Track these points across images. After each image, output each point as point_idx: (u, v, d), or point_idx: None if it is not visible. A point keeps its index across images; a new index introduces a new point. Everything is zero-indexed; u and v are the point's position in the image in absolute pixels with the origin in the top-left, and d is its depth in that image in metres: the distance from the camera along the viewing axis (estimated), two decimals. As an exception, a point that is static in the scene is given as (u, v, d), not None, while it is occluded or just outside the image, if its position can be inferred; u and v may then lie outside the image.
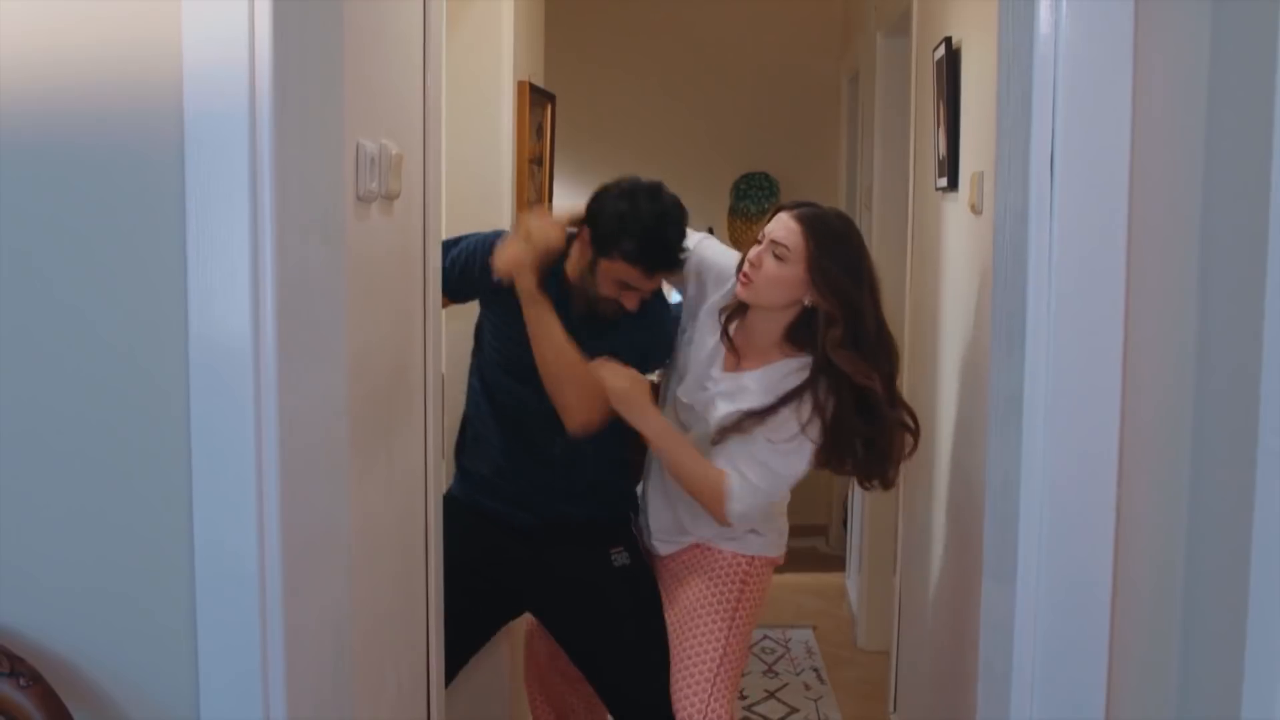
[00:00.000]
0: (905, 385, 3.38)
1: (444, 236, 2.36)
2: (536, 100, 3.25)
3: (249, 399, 1.37)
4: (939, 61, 2.79)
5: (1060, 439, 1.52)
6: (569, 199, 5.26)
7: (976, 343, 2.43)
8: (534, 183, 3.25)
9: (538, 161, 3.31)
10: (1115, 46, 1.42)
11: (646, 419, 2.40)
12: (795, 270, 2.31)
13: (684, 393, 2.50)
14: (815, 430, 2.34)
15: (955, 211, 2.69)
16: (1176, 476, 1.35)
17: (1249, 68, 1.25)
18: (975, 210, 2.42)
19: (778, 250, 2.31)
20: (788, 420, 2.34)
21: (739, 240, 5.63)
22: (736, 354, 2.46)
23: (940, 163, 2.80)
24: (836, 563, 5.20)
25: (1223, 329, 1.27)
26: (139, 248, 1.37)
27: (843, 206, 5.39)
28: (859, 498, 4.49)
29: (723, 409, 2.39)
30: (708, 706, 2.39)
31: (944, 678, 2.73)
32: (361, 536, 1.73)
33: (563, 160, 4.16)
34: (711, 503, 2.36)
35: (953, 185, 2.68)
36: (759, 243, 2.36)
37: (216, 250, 1.35)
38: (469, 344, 2.74)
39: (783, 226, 2.33)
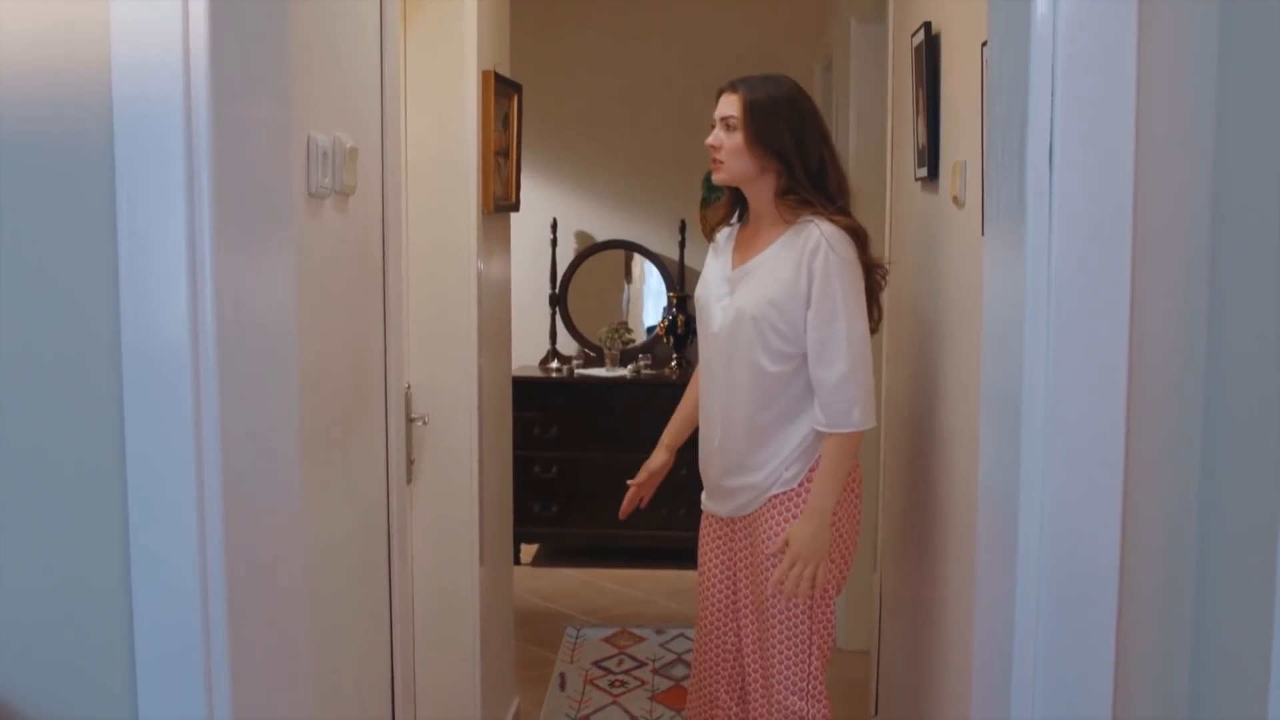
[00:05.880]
0: (882, 375, 3.30)
1: (404, 236, 2.27)
2: (502, 90, 3.14)
3: (188, 413, 1.27)
4: (918, 48, 2.70)
5: (1061, 438, 1.41)
6: (536, 191, 5.17)
7: (960, 339, 2.35)
8: (500, 175, 3.14)
9: (503, 154, 3.20)
10: (1118, 25, 1.33)
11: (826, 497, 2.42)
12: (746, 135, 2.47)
13: (706, 318, 2.59)
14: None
15: (936, 203, 2.60)
16: (1186, 465, 1.26)
17: (1260, 41, 1.17)
18: (958, 202, 2.34)
19: (729, 122, 2.50)
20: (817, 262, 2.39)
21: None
22: (743, 255, 2.58)
23: (920, 152, 2.72)
24: (813, 560, 5.14)
25: (1235, 311, 1.18)
26: (66, 252, 1.26)
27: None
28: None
29: (741, 297, 2.48)
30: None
31: (922, 677, 2.65)
32: (317, 555, 1.62)
33: (530, 153, 4.05)
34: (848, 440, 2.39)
35: (933, 175, 2.60)
36: (713, 128, 2.53)
37: (151, 252, 1.25)
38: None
39: (724, 102, 2.52)
